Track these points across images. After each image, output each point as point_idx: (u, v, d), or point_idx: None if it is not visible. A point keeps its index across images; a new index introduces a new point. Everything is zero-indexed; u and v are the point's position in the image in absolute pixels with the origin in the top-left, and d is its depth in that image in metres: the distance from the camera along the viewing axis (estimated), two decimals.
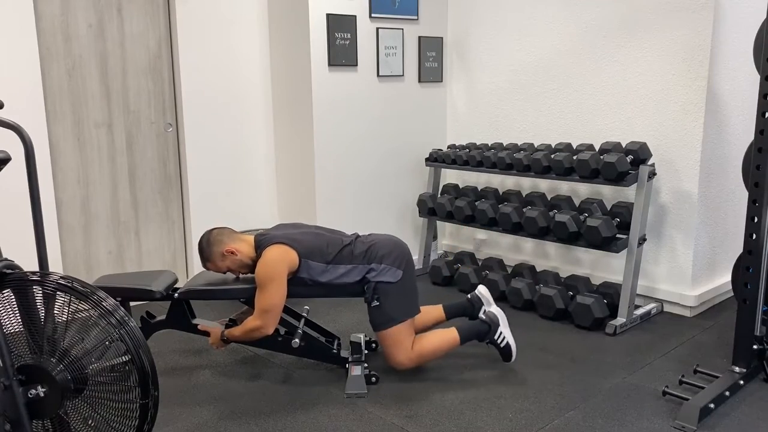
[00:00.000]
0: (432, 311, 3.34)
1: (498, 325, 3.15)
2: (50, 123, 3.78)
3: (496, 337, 3.13)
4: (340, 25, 4.21)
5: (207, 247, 2.99)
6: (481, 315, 3.21)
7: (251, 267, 3.01)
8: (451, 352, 3.16)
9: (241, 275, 3.11)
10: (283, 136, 4.53)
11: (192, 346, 3.49)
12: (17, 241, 3.29)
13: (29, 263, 2.79)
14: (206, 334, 3.08)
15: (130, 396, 2.03)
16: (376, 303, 2.98)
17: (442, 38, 4.81)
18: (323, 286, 2.99)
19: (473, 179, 4.84)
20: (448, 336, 3.08)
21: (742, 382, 2.89)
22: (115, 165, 4.05)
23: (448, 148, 4.73)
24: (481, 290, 3.35)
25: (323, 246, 2.96)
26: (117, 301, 2.11)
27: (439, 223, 4.90)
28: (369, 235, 3.12)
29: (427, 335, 3.08)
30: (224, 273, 3.07)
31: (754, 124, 2.86)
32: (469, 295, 3.38)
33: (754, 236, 2.83)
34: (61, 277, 2.03)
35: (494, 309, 3.23)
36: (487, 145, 4.45)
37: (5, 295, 2.06)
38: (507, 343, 3.14)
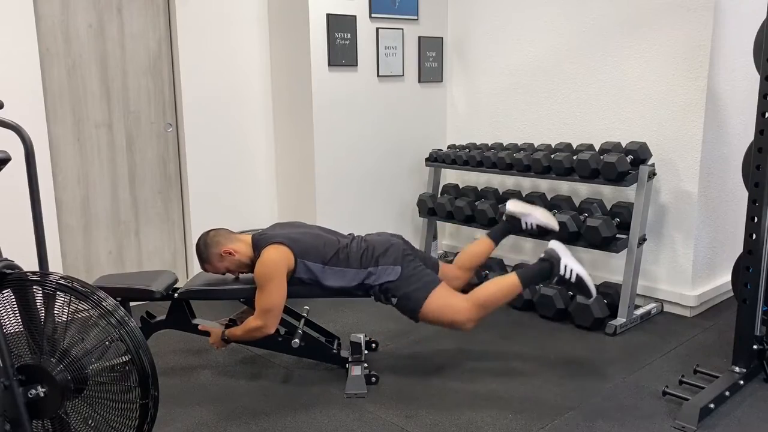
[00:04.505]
0: (478, 245, 3.24)
1: (559, 258, 2.88)
2: (50, 123, 3.78)
3: (562, 273, 2.87)
4: (340, 25, 4.21)
5: (205, 249, 2.99)
6: (542, 254, 2.97)
7: (250, 267, 3.01)
8: (512, 298, 2.94)
9: (240, 275, 3.11)
10: (283, 136, 4.53)
11: (192, 346, 3.48)
12: (17, 241, 3.29)
13: (29, 263, 2.79)
14: (206, 334, 3.07)
15: (130, 396, 2.03)
16: (394, 300, 2.95)
17: (442, 38, 4.81)
18: (322, 288, 2.98)
19: (473, 179, 4.84)
20: (505, 280, 2.91)
21: (742, 382, 2.89)
22: (115, 165, 4.05)
23: (448, 148, 4.73)
24: (510, 207, 3.21)
25: (320, 246, 2.96)
26: (117, 301, 2.11)
27: (439, 223, 4.90)
28: (365, 236, 3.10)
29: (482, 285, 2.95)
30: (223, 274, 3.07)
31: (754, 124, 2.85)
32: (504, 217, 3.28)
33: (754, 236, 2.83)
34: (61, 277, 2.03)
35: (551, 243, 2.97)
36: (487, 145, 4.45)
37: (5, 295, 2.06)
38: (578, 275, 2.86)
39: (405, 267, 2.95)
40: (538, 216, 3.19)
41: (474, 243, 3.29)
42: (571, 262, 2.89)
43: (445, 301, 2.89)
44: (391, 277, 2.93)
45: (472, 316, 2.87)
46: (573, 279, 2.87)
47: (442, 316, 2.89)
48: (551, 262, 2.90)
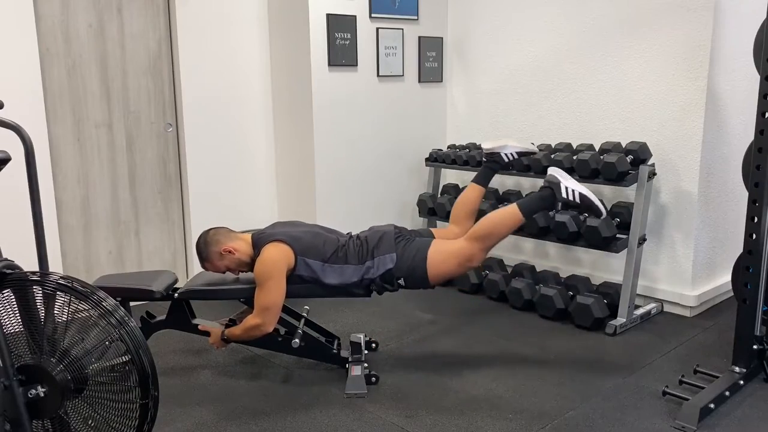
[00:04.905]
0: (467, 192, 3.22)
1: (559, 182, 2.82)
2: (50, 123, 3.78)
3: (565, 196, 2.81)
4: (340, 25, 4.21)
5: (205, 247, 2.99)
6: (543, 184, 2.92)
7: (250, 265, 3.01)
8: (513, 227, 2.89)
9: (240, 274, 3.11)
10: (283, 136, 4.53)
11: (192, 346, 3.49)
12: (17, 241, 3.29)
13: (29, 263, 2.79)
14: (206, 334, 3.07)
15: (130, 396, 2.03)
16: (402, 281, 2.95)
17: (442, 38, 4.81)
18: (322, 286, 2.98)
19: None
20: (504, 210, 2.89)
21: (742, 382, 2.89)
22: (115, 165, 4.05)
23: (448, 148, 4.73)
24: (486, 145, 3.19)
25: (320, 245, 2.96)
26: (117, 301, 2.11)
27: (439, 223, 4.90)
28: (359, 234, 3.10)
29: (480, 219, 2.92)
30: (223, 272, 3.07)
31: (754, 124, 2.85)
32: (484, 158, 3.26)
33: (754, 236, 2.83)
34: (61, 277, 2.03)
35: (550, 169, 2.91)
36: None
37: (5, 295, 2.06)
38: (581, 194, 2.80)
39: (398, 250, 2.96)
40: (515, 144, 3.18)
41: (462, 192, 3.28)
42: (572, 183, 2.83)
43: (443, 251, 2.90)
44: (389, 265, 2.94)
45: (474, 249, 2.86)
46: (577, 199, 2.82)
47: (447, 264, 2.89)
48: (551, 187, 2.86)
